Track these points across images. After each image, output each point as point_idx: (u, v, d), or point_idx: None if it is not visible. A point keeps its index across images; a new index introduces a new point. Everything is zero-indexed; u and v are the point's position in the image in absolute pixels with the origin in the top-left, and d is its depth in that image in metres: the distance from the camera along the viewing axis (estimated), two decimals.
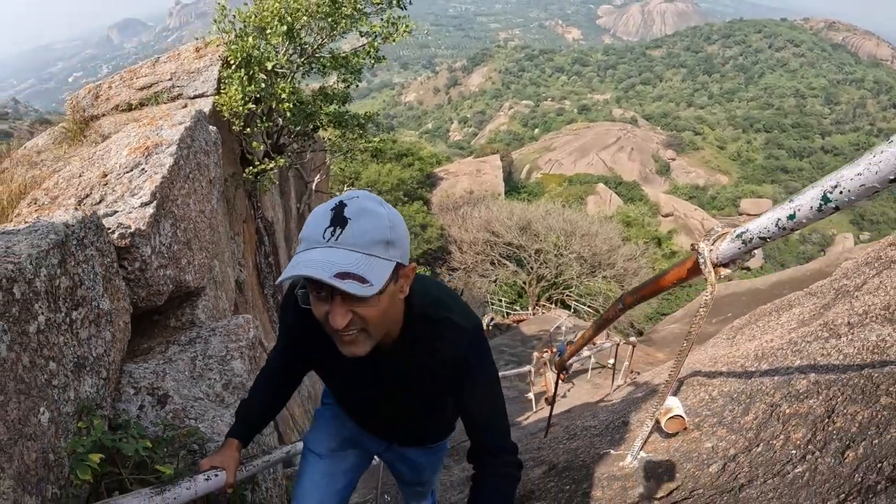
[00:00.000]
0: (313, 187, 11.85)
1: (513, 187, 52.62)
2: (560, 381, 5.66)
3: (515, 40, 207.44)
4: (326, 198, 13.51)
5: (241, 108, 6.13)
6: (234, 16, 6.96)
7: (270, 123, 7.26)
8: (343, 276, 1.05)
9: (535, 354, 11.68)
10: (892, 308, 2.36)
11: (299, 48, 7.31)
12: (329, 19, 7.08)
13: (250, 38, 6.58)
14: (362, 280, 1.06)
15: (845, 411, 1.53)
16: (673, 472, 2.00)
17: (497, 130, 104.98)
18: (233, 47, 6.49)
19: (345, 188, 27.44)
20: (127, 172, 3.28)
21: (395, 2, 7.55)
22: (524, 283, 27.59)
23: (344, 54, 7.90)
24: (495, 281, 27.66)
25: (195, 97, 6.35)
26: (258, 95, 6.50)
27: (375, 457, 2.02)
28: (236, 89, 6.12)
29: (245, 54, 6.47)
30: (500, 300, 26.82)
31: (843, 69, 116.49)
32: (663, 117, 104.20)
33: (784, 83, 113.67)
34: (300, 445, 2.23)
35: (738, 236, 1.31)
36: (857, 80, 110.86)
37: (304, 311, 1.22)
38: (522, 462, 1.47)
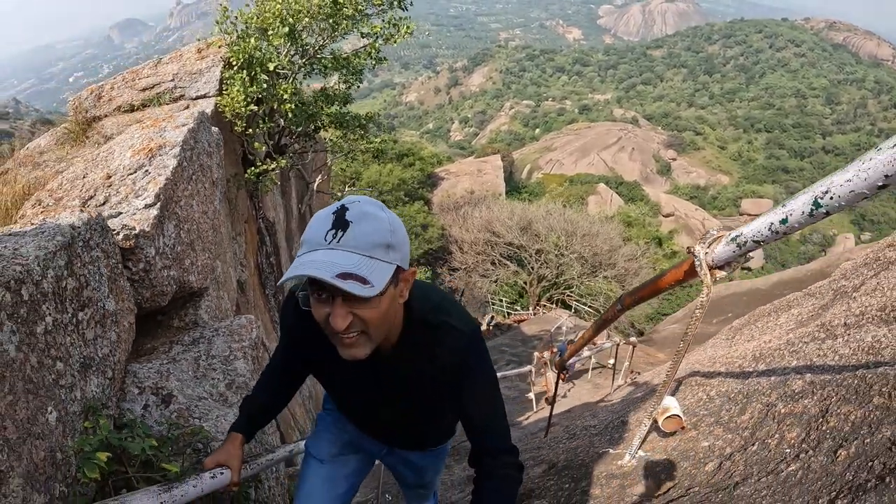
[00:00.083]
0: (314, 188, 11.88)
1: (514, 187, 52.63)
2: (561, 381, 5.68)
3: (516, 40, 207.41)
4: (327, 198, 13.54)
5: (243, 109, 6.16)
6: (236, 17, 7.00)
7: (272, 124, 7.29)
8: (345, 276, 1.07)
9: (536, 354, 11.69)
10: (888, 309, 2.38)
11: (301, 49, 7.34)
12: (330, 20, 7.11)
13: (252, 40, 6.61)
14: (363, 281, 1.08)
15: (839, 411, 1.56)
16: (670, 471, 2.02)
17: (498, 130, 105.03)
18: (235, 48, 6.53)
19: (346, 188, 27.42)
20: (131, 174, 3.31)
21: (396, 3, 7.57)
22: (525, 283, 27.60)
23: (345, 55, 7.93)
24: (496, 281, 27.67)
25: (197, 98, 6.37)
26: (260, 96, 6.53)
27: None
28: (238, 90, 6.14)
29: (247, 55, 6.50)
30: (501, 300, 26.84)
31: (844, 69, 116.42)
32: (664, 117, 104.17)
33: (785, 83, 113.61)
34: (302, 444, 2.25)
35: (732, 239, 1.34)
36: (858, 80, 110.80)
37: (304, 314, 1.23)
38: (523, 464, 1.47)
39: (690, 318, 1.66)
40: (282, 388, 1.72)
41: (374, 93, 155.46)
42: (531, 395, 9.95)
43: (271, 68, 6.77)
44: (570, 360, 5.33)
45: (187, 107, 6.12)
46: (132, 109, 6.27)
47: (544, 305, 26.47)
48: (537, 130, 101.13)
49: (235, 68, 6.44)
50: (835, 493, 1.20)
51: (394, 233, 1.16)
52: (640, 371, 9.94)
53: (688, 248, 1.50)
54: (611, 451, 2.72)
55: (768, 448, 1.69)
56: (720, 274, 1.45)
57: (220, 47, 6.89)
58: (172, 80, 6.55)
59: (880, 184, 0.94)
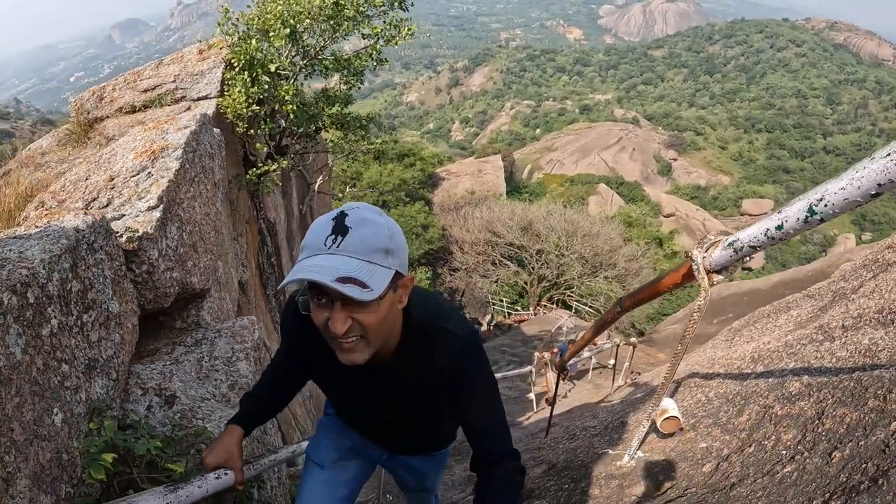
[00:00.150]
0: (315, 188, 11.90)
1: (514, 187, 52.58)
2: (561, 381, 5.70)
3: (517, 40, 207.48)
4: (328, 198, 13.57)
5: (244, 110, 6.18)
6: (238, 18, 7.02)
7: (273, 125, 7.30)
8: (344, 280, 1.09)
9: (537, 355, 11.72)
10: (885, 312, 2.40)
11: (302, 50, 7.35)
12: (332, 22, 7.13)
13: (253, 41, 6.63)
14: (363, 285, 1.10)
15: (834, 413, 1.58)
16: (668, 472, 2.04)
17: (498, 130, 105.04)
18: (236, 49, 6.55)
19: (347, 189, 27.43)
20: (133, 176, 3.33)
21: (397, 3, 7.58)
22: (525, 283, 27.62)
23: (346, 56, 7.94)
24: (497, 281, 27.69)
25: (199, 99, 6.39)
26: (261, 97, 6.55)
27: None
28: (240, 91, 6.16)
29: (248, 56, 6.52)
30: (502, 300, 26.86)
31: (845, 69, 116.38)
32: (665, 117, 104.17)
33: (786, 83, 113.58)
34: (304, 445, 2.27)
35: (729, 245, 1.37)
36: (859, 80, 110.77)
37: (304, 319, 1.25)
38: (525, 467, 1.48)
39: (688, 320, 1.68)
40: (282, 390, 1.73)
41: (375, 93, 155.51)
42: (531, 396, 9.97)
43: (272, 69, 6.79)
44: (571, 362, 5.36)
45: (189, 108, 6.15)
46: (134, 111, 6.29)
47: (545, 306, 26.50)
48: (538, 130, 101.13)
49: (237, 69, 6.46)
50: (829, 494, 1.22)
51: (392, 238, 1.18)
52: (640, 371, 9.96)
53: (685, 252, 1.53)
54: (610, 451, 2.74)
55: (765, 450, 1.71)
56: (717, 278, 1.47)
57: (221, 48, 6.91)
58: (174, 81, 6.57)
59: (873, 192, 0.97)
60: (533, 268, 27.02)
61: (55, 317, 1.86)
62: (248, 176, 6.99)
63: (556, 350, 11.20)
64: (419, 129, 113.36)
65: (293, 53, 7.27)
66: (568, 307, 25.95)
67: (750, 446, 1.79)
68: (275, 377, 1.71)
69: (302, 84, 7.79)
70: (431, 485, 2.07)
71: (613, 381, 9.37)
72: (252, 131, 6.67)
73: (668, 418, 2.27)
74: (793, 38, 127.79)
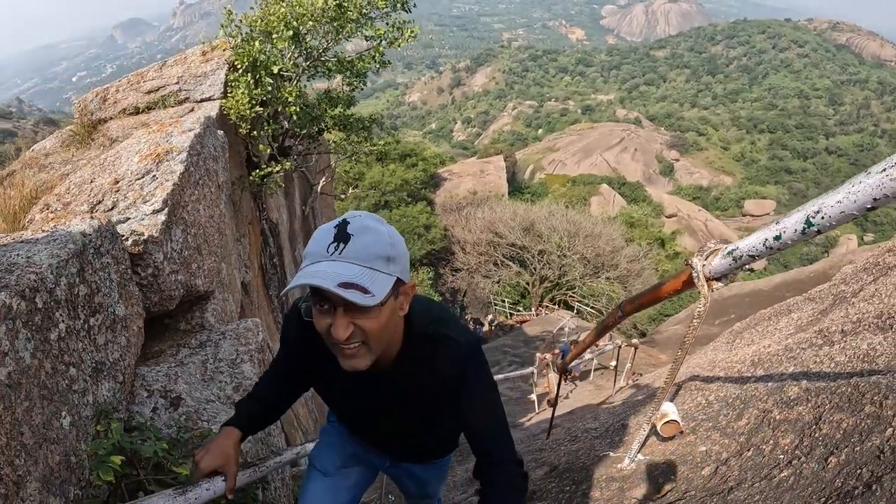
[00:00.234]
0: (318, 189, 11.93)
1: (516, 188, 52.56)
2: (563, 382, 5.73)
3: (519, 40, 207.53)
4: (331, 199, 13.59)
5: (247, 112, 6.21)
6: (241, 20, 7.04)
7: (276, 126, 7.33)
8: (346, 285, 1.11)
9: (538, 355, 11.74)
10: (884, 316, 2.42)
11: (305, 52, 7.38)
12: (334, 23, 7.15)
13: (256, 43, 6.66)
14: (364, 290, 1.12)
15: (831, 419, 1.60)
16: (668, 475, 2.07)
17: (501, 131, 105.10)
18: (239, 51, 6.57)
19: (349, 189, 27.44)
20: (138, 179, 3.35)
21: (399, 5, 7.61)
22: (527, 283, 27.63)
23: (349, 58, 7.97)
24: (498, 282, 27.71)
25: (202, 101, 6.41)
26: (264, 99, 6.58)
27: None
28: (243, 93, 6.19)
29: (251, 58, 6.55)
30: (504, 301, 26.87)
31: (847, 70, 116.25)
32: (667, 118, 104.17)
33: (788, 84, 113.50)
34: (309, 447, 2.29)
35: (728, 253, 1.39)
36: (861, 80, 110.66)
37: (307, 326, 1.27)
38: (528, 473, 1.48)
39: (688, 326, 1.70)
40: (282, 394, 1.72)
41: (378, 93, 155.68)
42: (533, 397, 9.99)
43: (276, 71, 6.82)
44: (572, 364, 5.38)
45: (192, 109, 6.17)
46: (137, 112, 6.31)
47: (547, 306, 26.51)
48: (540, 131, 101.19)
49: (240, 71, 6.49)
50: (824, 498, 1.24)
51: (393, 246, 1.20)
52: (641, 372, 9.98)
53: (686, 260, 1.55)
54: (611, 454, 2.76)
55: (763, 454, 1.73)
56: (717, 285, 1.50)
57: (224, 50, 6.94)
58: (177, 82, 6.60)
59: (868, 206, 0.99)
60: (535, 268, 27.03)
61: (63, 321, 1.88)
62: (251, 177, 7.02)
63: (557, 351, 11.22)
64: (421, 129, 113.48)
65: (296, 55, 7.30)
66: (570, 308, 25.96)
67: (748, 450, 1.81)
68: (275, 379, 1.70)
69: (305, 85, 7.82)
70: (433, 492, 2.08)
71: (615, 382, 9.39)
72: (255, 133, 6.70)
73: (668, 422, 2.29)
74: (795, 38, 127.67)
